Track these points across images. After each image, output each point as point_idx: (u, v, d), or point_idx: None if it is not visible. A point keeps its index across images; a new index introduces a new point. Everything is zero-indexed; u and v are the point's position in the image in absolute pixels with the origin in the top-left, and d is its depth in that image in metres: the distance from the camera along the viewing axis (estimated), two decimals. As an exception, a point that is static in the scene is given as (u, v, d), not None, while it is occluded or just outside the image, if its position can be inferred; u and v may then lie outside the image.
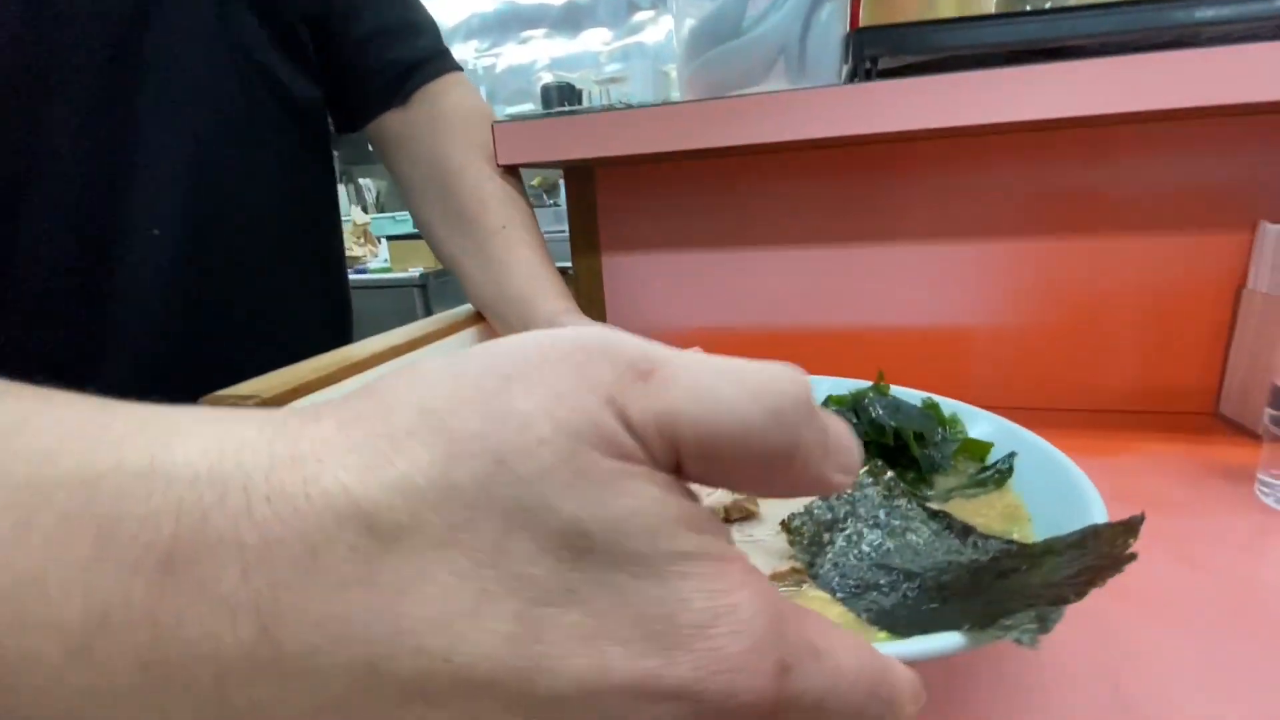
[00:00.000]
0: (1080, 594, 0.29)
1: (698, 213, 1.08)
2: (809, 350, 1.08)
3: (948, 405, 0.69)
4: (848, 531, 0.44)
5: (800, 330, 1.08)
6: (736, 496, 0.48)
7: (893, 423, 0.60)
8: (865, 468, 0.48)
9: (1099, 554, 0.32)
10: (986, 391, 1.01)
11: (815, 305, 1.07)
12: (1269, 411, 0.75)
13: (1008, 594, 0.33)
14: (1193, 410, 0.98)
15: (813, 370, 0.76)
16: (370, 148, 0.88)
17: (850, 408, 0.65)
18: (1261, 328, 0.89)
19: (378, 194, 6.14)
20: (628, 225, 1.13)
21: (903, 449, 0.61)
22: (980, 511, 0.55)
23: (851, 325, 1.05)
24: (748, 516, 0.49)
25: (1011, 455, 0.61)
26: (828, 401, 0.68)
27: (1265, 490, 0.74)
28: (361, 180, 6.08)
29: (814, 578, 0.42)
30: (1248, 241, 0.92)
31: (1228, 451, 0.85)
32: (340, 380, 0.67)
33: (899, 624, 0.36)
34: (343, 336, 0.93)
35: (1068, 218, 0.96)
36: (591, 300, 1.18)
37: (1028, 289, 1.00)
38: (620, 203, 1.12)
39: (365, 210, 5.85)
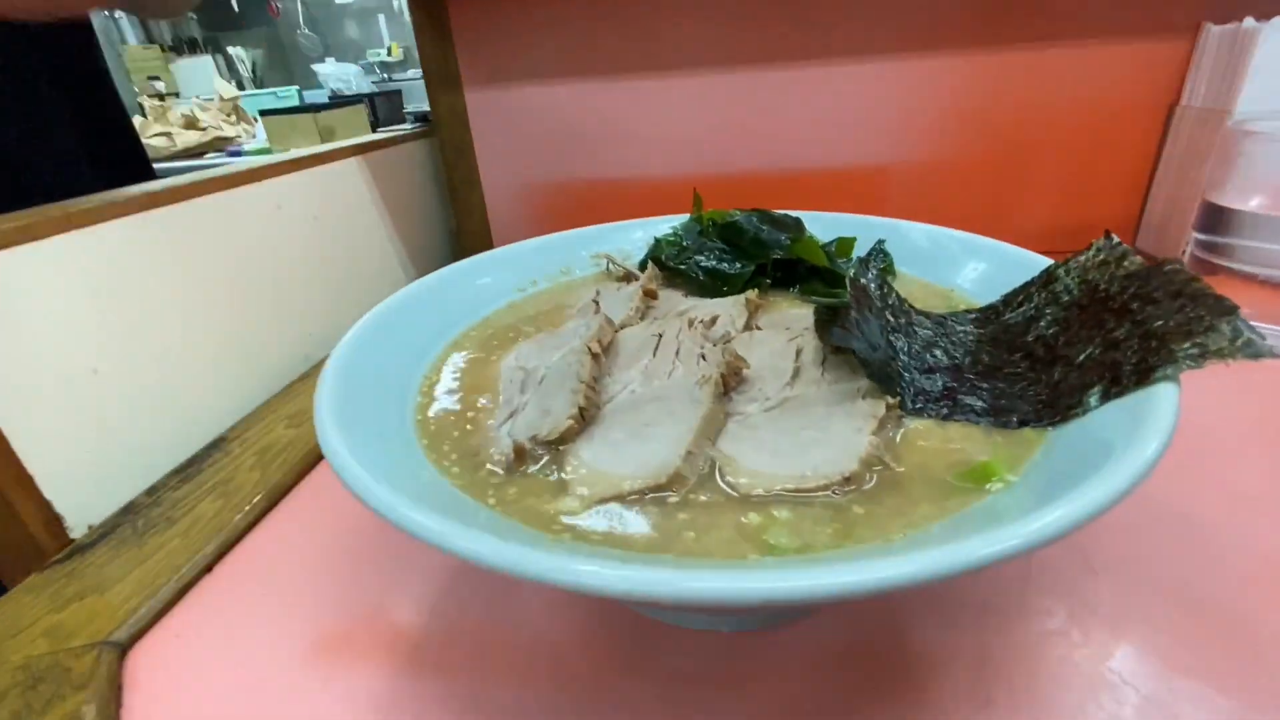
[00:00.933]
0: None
1: (579, 33, 0.89)
2: (714, 201, 0.94)
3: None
4: (899, 345, 0.39)
5: (702, 177, 0.94)
6: (729, 359, 0.37)
7: (785, 238, 0.49)
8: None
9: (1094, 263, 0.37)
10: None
11: (719, 145, 0.92)
12: (1195, 236, 0.68)
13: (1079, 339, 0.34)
14: (1110, 248, 0.92)
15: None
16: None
17: (725, 235, 0.53)
18: (1191, 146, 0.81)
19: (253, 65, 5.34)
20: (493, 52, 0.92)
21: (798, 265, 0.51)
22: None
23: (760, 169, 0.92)
24: (739, 374, 0.38)
25: (880, 243, 0.56)
26: (707, 228, 0.56)
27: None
28: (231, 50, 5.26)
29: (904, 410, 0.35)
30: (1186, 51, 0.82)
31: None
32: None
33: (1024, 413, 0.33)
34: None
35: (1000, 25, 0.83)
36: (460, 151, 1.00)
37: (951, 114, 0.88)
38: (481, 23, 0.91)
39: (241, 85, 5.12)
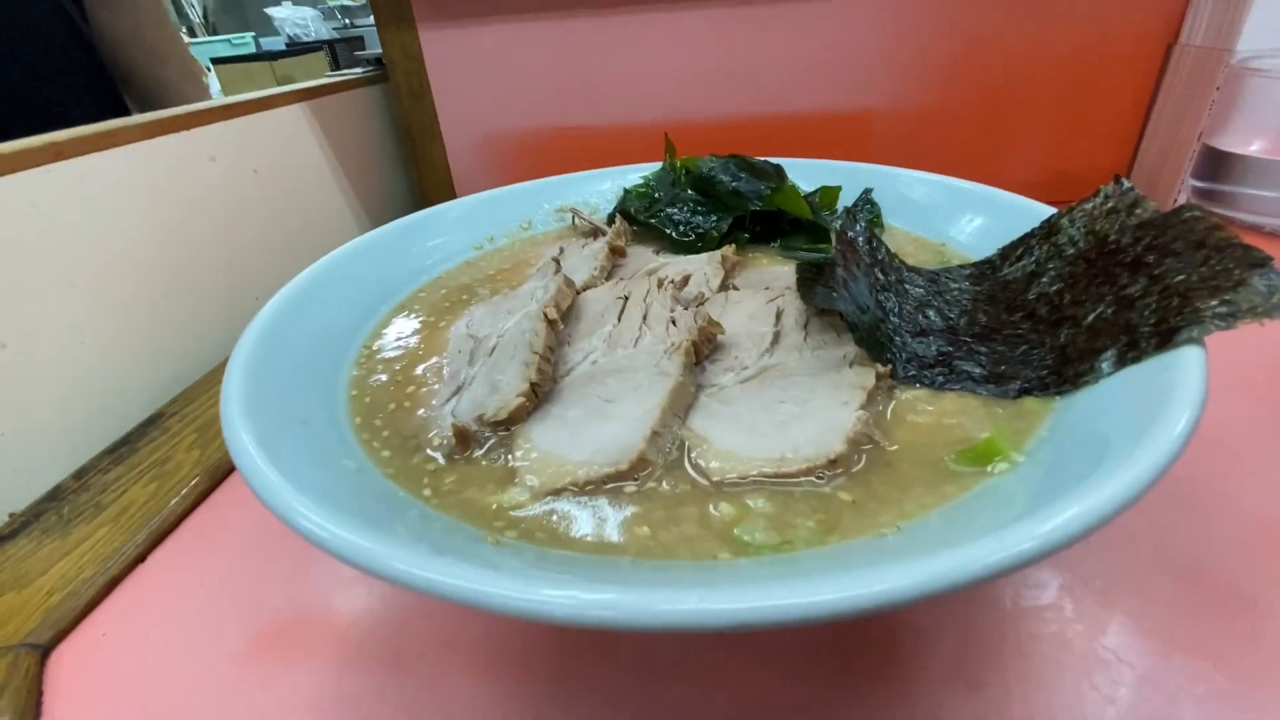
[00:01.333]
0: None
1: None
2: (689, 149, 0.88)
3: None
4: (890, 305, 0.36)
5: (678, 123, 0.87)
6: (701, 324, 0.33)
7: (765, 188, 0.45)
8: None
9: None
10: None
11: (695, 89, 0.86)
12: (1193, 183, 0.65)
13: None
14: (1100, 198, 0.89)
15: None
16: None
17: (698, 186, 0.49)
18: (1190, 88, 0.77)
19: (204, 10, 5.00)
20: (448, -16, 0.84)
21: (780, 218, 0.47)
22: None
23: (738, 114, 0.86)
24: (713, 340, 0.34)
25: (867, 192, 0.52)
26: (678, 178, 0.51)
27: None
28: (181, -8, 4.90)
29: (895, 379, 0.32)
30: (1188, -15, 0.77)
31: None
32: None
33: (1028, 380, 0.30)
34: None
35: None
36: (416, 96, 0.92)
37: (937, 56, 0.82)
38: (434, -50, 0.82)
39: (192, 32, 4.81)
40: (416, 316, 0.42)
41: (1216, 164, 0.62)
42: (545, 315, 0.33)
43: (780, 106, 0.85)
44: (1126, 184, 0.35)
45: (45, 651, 0.36)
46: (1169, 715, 0.28)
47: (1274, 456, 0.41)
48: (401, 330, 0.40)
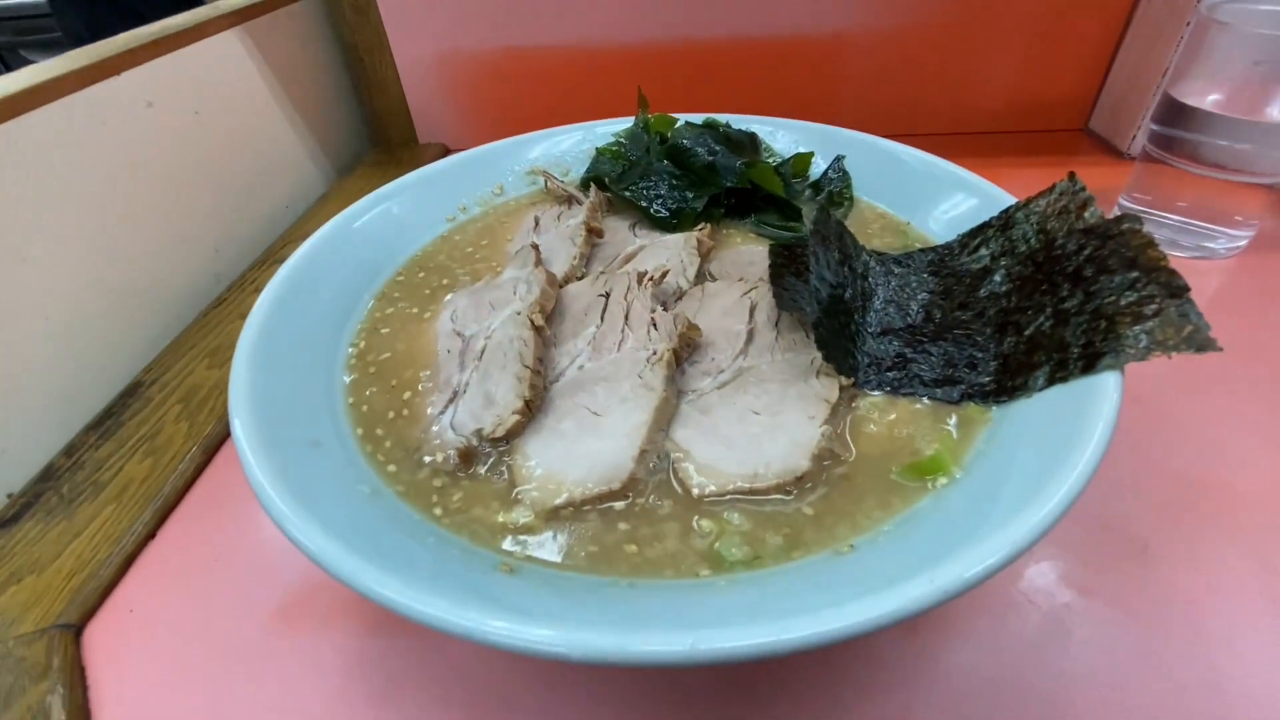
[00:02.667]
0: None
1: None
2: (662, 78, 0.85)
3: (739, 121, 0.56)
4: (855, 304, 0.38)
5: (646, 45, 0.83)
6: (681, 330, 0.35)
7: (741, 161, 0.46)
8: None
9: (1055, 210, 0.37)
10: (857, 118, 0.86)
11: (665, 9, 0.81)
12: (1152, 127, 0.66)
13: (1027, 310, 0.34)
14: (1061, 127, 0.90)
15: (657, 99, 0.57)
16: None
17: (670, 155, 0.49)
18: (1159, 25, 0.76)
19: None
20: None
21: (755, 192, 0.47)
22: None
23: (709, 36, 0.82)
24: (692, 344, 0.36)
25: (840, 159, 0.53)
26: (648, 151, 0.51)
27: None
28: None
29: (859, 385, 0.35)
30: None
31: (1090, 174, 0.78)
32: None
33: (972, 385, 0.33)
34: None
35: None
36: (360, 9, 0.85)
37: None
38: None
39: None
40: (399, 305, 0.42)
41: (1176, 113, 0.63)
42: (531, 320, 0.35)
43: (752, 29, 0.81)
44: (1080, 183, 0.37)
45: (77, 631, 0.39)
46: (1065, 647, 0.33)
47: (1195, 413, 0.46)
48: (386, 325, 0.41)
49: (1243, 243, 0.64)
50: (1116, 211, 0.70)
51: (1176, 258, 0.64)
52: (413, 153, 0.93)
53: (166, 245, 0.63)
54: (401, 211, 0.48)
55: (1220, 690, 0.32)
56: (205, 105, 0.68)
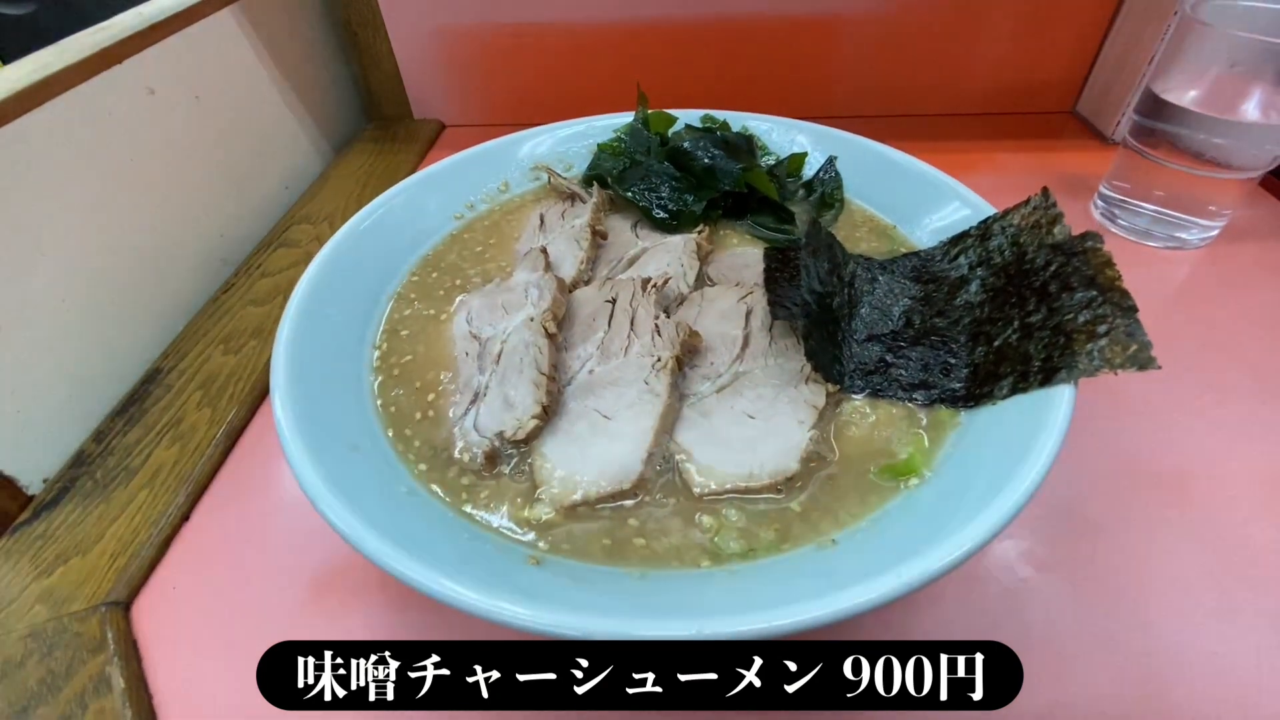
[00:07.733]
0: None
1: None
2: (658, 62, 0.85)
3: (736, 119, 0.58)
4: (842, 311, 0.40)
5: (643, 23, 0.83)
6: (683, 338, 0.38)
7: (738, 165, 0.48)
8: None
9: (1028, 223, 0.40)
10: (847, 98, 0.88)
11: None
12: (1134, 118, 0.69)
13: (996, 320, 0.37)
14: (1049, 110, 0.92)
15: (653, 86, 0.58)
16: None
17: (671, 158, 0.51)
18: (1145, 17, 0.78)
19: None
20: None
21: (750, 195, 0.50)
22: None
23: (706, 14, 0.82)
24: (694, 350, 0.39)
25: (832, 160, 0.54)
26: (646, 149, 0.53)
27: (1100, 203, 0.73)
28: None
29: (844, 390, 0.38)
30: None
31: (1074, 159, 0.82)
32: None
33: (944, 390, 0.36)
34: None
35: None
36: (356, -13, 0.84)
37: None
38: None
39: None
40: (416, 306, 0.45)
41: (1156, 108, 0.65)
42: (545, 328, 0.38)
43: (742, 8, 0.82)
44: (1051, 199, 0.40)
45: (126, 607, 0.43)
46: (1023, 618, 0.38)
47: (1155, 401, 0.49)
48: (405, 327, 0.43)
49: (1214, 233, 0.67)
50: (1094, 200, 0.73)
51: (1150, 248, 0.68)
52: (408, 129, 0.93)
53: (174, 232, 0.65)
54: (412, 211, 0.50)
55: (1157, 657, 0.36)
56: (204, 89, 0.68)
